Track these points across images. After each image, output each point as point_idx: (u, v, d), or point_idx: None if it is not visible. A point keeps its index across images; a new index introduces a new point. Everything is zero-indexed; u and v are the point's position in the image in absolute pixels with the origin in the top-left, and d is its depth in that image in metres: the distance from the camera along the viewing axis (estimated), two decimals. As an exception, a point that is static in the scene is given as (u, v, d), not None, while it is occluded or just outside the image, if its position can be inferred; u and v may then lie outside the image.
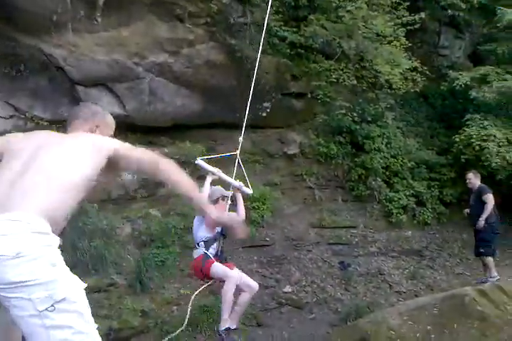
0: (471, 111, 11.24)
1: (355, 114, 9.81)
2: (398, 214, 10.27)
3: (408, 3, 9.62)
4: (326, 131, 10.02)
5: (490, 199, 7.30)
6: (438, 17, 12.34)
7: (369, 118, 10.27)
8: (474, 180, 7.70)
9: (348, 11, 8.75)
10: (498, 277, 6.90)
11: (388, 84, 9.88)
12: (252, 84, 5.10)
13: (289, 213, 9.38)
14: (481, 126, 10.50)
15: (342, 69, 9.23)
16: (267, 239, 8.69)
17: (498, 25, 11.18)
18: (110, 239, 6.90)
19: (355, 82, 9.34)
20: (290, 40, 9.07)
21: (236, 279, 4.55)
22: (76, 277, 1.76)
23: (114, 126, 2.47)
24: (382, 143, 10.40)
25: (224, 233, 4.62)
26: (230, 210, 4.85)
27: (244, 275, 4.83)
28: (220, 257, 4.69)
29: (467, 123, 10.78)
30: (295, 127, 9.95)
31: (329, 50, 9.49)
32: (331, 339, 5.35)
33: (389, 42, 9.39)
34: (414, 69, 9.83)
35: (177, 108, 8.26)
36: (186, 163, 8.39)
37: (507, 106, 11.06)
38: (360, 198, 10.29)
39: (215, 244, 4.67)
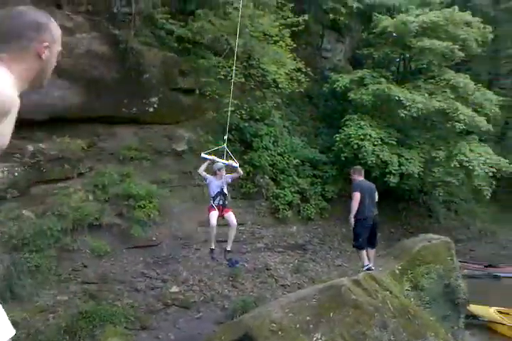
0: (350, 112, 11.96)
1: (243, 112, 9.91)
2: (284, 211, 10.60)
3: (293, 5, 9.92)
4: (215, 128, 10.01)
5: (354, 197, 7.53)
6: (321, 20, 12.96)
7: (257, 117, 10.46)
8: (354, 176, 8.02)
9: (235, 8, 8.78)
10: (368, 266, 7.29)
11: (275, 84, 10.12)
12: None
13: (178, 211, 9.21)
14: (359, 126, 11.24)
15: (230, 67, 9.22)
16: (154, 239, 8.45)
17: (375, 31, 12.04)
18: (-26, 244, 6.21)
19: (243, 79, 9.42)
20: (177, 34, 8.89)
21: (211, 228, 6.66)
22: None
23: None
24: (269, 141, 10.65)
25: (223, 192, 6.83)
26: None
27: (231, 216, 6.81)
28: (223, 205, 6.81)
29: (346, 123, 11.47)
30: (184, 123, 9.79)
31: (217, 46, 9.46)
32: (216, 337, 5.31)
33: (275, 42, 9.62)
34: (299, 70, 10.17)
35: (54, 100, 7.65)
36: (65, 160, 7.86)
37: (381, 107, 11.91)
38: (248, 195, 10.44)
39: (218, 198, 6.81)
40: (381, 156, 10.96)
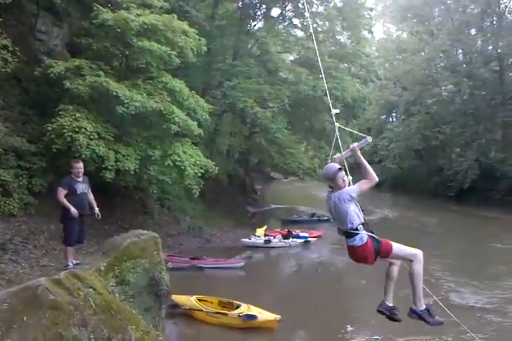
0: (65, 102, 11.17)
1: None
2: (-21, 206, 9.17)
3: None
4: None
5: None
6: (36, -1, 11.72)
7: None
8: None
9: None
10: (71, 266, 7.17)
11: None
12: None
13: None
14: (74, 117, 10.59)
15: None
16: None
17: (95, 22, 11.55)
18: None
19: None
20: None
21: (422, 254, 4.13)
22: None
23: None
24: (-38, 125, 9.01)
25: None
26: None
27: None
28: None
29: (60, 113, 10.68)
30: None
31: None
32: None
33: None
34: (5, 47, 8.92)
35: None
36: None
37: (99, 101, 11.54)
38: None
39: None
40: (97, 151, 10.64)
